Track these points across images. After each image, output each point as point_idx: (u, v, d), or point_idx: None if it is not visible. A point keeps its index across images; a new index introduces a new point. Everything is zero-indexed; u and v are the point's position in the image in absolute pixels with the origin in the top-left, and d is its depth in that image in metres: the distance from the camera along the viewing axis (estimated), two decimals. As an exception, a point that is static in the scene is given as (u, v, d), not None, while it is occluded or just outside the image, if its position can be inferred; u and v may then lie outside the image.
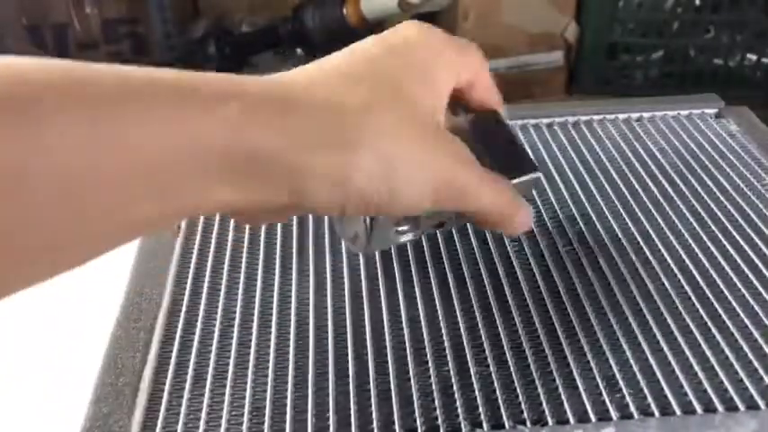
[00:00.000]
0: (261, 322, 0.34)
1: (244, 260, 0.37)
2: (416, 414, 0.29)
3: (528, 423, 0.28)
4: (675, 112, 0.49)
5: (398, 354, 0.32)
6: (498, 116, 0.34)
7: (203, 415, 0.29)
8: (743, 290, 0.34)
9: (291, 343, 0.33)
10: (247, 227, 0.39)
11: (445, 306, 0.34)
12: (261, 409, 0.30)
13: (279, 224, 0.40)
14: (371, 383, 0.30)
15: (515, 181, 0.33)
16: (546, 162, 0.44)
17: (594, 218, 0.40)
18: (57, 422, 0.33)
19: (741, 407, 0.28)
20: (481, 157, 0.31)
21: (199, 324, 0.34)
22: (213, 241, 0.39)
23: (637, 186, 0.42)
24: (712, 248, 0.37)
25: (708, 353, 0.31)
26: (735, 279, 0.35)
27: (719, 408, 0.28)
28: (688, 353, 0.31)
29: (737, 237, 0.38)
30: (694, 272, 0.36)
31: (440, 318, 0.33)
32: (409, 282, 0.35)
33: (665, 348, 0.31)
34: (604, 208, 0.40)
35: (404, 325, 0.33)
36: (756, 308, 0.33)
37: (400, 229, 0.36)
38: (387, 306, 0.34)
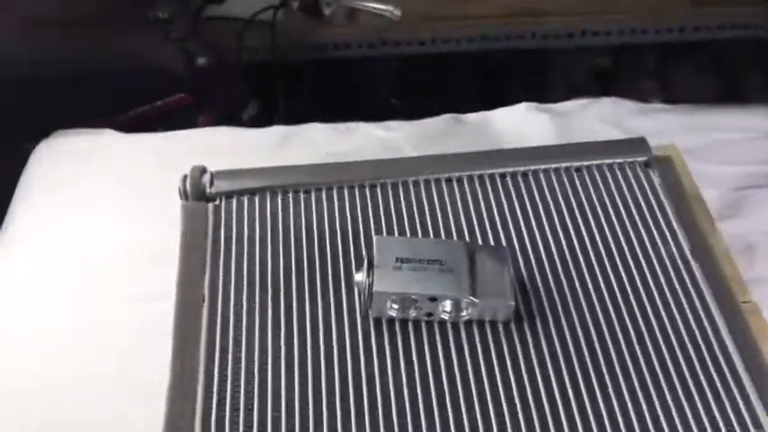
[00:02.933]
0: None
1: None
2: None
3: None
4: (610, 160, 0.57)
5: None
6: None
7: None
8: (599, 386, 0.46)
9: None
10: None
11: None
12: None
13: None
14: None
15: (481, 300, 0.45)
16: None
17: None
18: None
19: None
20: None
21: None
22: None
23: (551, 244, 0.53)
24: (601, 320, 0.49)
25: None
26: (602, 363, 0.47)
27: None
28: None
29: (624, 311, 0.49)
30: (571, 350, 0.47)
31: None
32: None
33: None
34: (521, 261, 0.51)
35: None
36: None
37: (394, 306, 0.47)
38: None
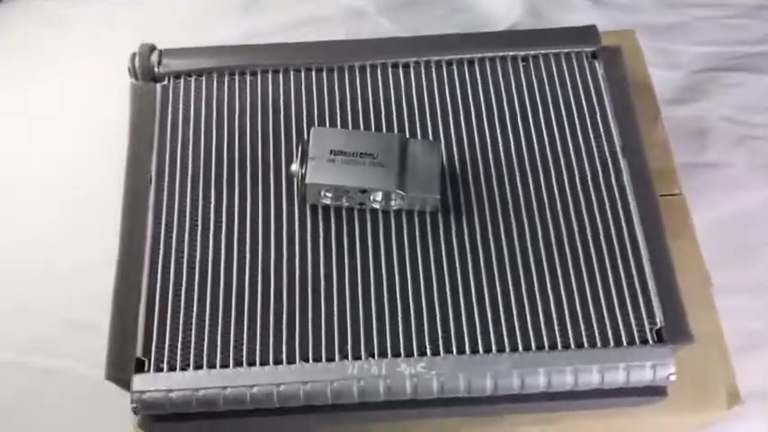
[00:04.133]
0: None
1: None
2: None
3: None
4: (557, 50, 0.57)
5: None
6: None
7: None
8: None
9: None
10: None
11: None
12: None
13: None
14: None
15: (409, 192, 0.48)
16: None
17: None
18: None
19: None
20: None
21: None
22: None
23: (487, 136, 0.54)
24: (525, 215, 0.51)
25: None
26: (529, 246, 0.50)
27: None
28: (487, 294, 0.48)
29: (548, 207, 0.51)
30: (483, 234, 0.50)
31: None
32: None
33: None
34: (455, 152, 0.53)
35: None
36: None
37: (328, 194, 0.50)
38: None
